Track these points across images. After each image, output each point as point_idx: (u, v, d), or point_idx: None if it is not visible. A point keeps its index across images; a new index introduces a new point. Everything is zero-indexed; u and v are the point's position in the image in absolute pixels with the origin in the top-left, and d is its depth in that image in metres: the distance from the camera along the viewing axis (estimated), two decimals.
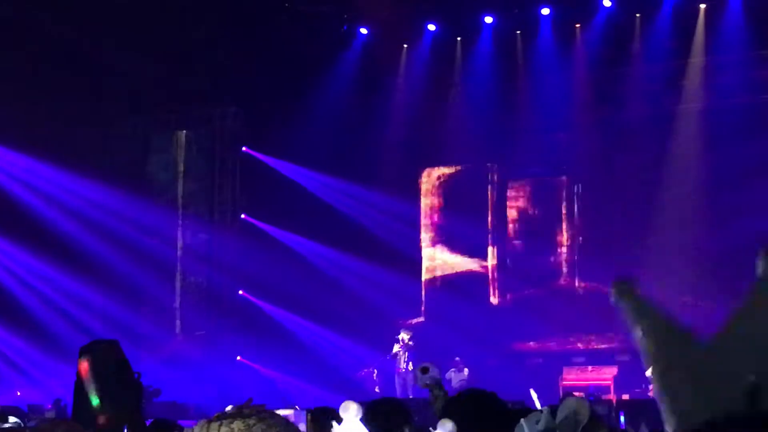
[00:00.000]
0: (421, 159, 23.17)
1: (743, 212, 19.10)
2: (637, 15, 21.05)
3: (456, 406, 3.73)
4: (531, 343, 21.57)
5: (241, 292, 23.03)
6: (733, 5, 20.31)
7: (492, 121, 21.67)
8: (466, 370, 19.49)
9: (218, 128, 24.01)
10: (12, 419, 7.09)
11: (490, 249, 22.73)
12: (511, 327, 21.30)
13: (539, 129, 21.25)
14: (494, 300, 22.64)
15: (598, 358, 20.52)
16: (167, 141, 24.37)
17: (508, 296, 22.54)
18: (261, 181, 23.17)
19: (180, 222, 23.86)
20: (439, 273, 23.31)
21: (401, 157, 22.27)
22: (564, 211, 22.32)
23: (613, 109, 21.22)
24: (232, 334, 22.52)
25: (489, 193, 22.62)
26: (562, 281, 22.11)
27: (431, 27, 22.46)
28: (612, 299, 1.62)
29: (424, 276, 23.26)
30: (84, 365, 4.73)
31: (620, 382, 19.23)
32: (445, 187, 23.37)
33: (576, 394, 15.02)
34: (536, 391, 12.01)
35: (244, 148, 23.63)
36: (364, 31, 22.75)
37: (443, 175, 23.42)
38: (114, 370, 4.90)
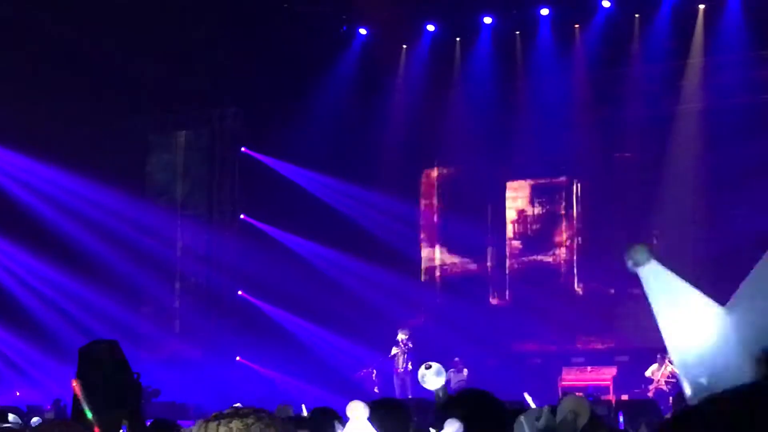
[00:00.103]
0: (421, 159, 23.17)
1: (743, 212, 19.11)
2: (636, 15, 21.05)
3: (453, 405, 3.73)
4: (530, 343, 21.56)
5: (240, 292, 23.04)
6: (732, 6, 20.31)
7: (491, 121, 21.66)
8: (465, 370, 19.49)
9: (218, 128, 24.02)
10: (12, 416, 7.10)
11: (489, 249, 22.73)
12: (511, 327, 21.29)
13: (539, 129, 21.23)
14: (493, 300, 22.63)
15: (597, 359, 20.52)
16: (167, 141, 24.38)
17: (508, 296, 22.54)
18: (260, 182, 23.18)
19: (179, 222, 23.86)
20: (438, 273, 23.31)
21: (401, 158, 22.25)
22: (563, 212, 22.32)
23: (613, 109, 21.22)
24: (231, 334, 22.52)
25: (488, 193, 22.61)
26: (561, 281, 22.10)
27: (430, 27, 22.46)
28: (628, 264, 1.63)
29: (424, 276, 23.25)
30: (75, 384, 4.77)
31: (619, 383, 19.23)
32: (445, 188, 23.37)
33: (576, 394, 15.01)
34: (536, 392, 12.00)
35: (243, 149, 23.64)
36: (363, 31, 22.75)
37: (443, 175, 23.42)
38: (114, 371, 4.91)
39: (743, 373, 1.38)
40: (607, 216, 21.51)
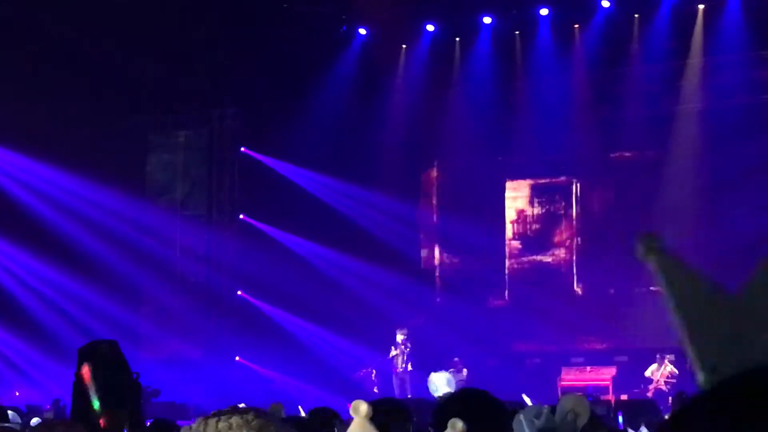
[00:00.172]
0: (421, 159, 23.17)
1: (743, 212, 19.12)
2: (636, 15, 21.05)
3: (452, 405, 3.73)
4: (530, 343, 21.56)
5: (239, 292, 23.04)
6: (731, 6, 20.32)
7: (491, 121, 21.66)
8: (465, 370, 19.49)
9: (217, 128, 24.02)
10: (11, 414, 7.09)
11: (489, 249, 22.72)
12: (510, 327, 21.29)
13: (538, 129, 21.24)
14: (493, 300, 22.63)
15: (596, 359, 20.53)
16: (167, 141, 24.38)
17: (507, 296, 22.54)
18: (260, 182, 23.18)
19: (179, 222, 23.86)
20: (438, 273, 23.31)
21: (401, 158, 22.25)
22: (563, 212, 22.33)
23: (613, 109, 21.22)
24: (231, 334, 22.52)
25: (488, 193, 22.60)
26: (561, 281, 22.10)
27: (430, 27, 22.45)
28: (638, 254, 1.63)
29: (423, 276, 23.24)
30: (86, 370, 4.75)
31: (619, 383, 19.26)
32: (445, 188, 23.37)
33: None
34: (535, 392, 12.03)
35: (243, 149, 23.64)
36: (363, 31, 22.75)
37: (443, 175, 23.42)
38: (113, 371, 4.91)
39: (757, 360, 1.39)
40: (606, 216, 21.53)
